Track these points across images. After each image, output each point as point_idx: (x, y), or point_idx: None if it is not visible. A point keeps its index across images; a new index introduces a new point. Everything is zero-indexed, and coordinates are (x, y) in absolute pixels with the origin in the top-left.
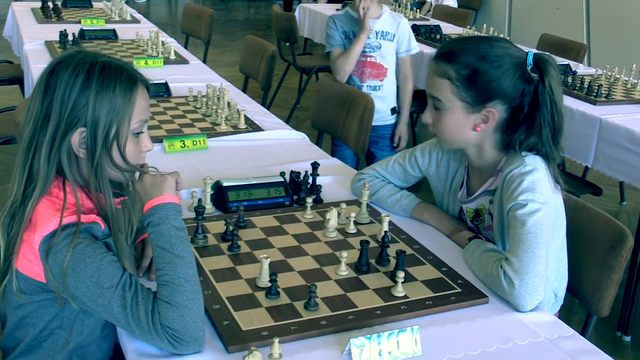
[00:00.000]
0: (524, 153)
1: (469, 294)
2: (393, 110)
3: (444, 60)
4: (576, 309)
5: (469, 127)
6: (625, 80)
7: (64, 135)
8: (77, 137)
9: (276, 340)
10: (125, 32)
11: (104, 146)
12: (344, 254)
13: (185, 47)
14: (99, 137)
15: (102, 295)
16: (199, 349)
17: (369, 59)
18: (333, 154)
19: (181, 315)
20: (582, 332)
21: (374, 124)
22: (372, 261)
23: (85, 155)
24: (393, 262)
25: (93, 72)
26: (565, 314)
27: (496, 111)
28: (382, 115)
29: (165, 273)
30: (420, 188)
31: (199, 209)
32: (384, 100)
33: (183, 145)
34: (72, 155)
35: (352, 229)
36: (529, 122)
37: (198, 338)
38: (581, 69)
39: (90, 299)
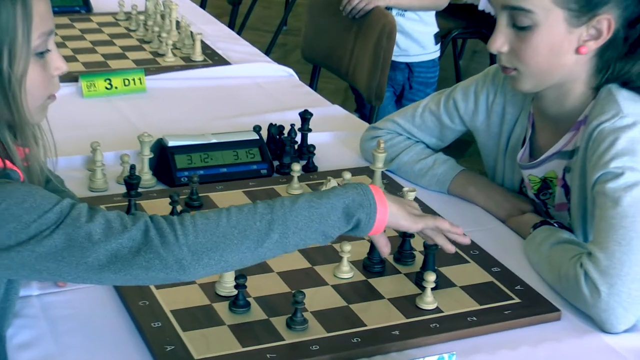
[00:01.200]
0: (621, 95)
1: (533, 306)
2: (437, 38)
3: None
4: None
5: (571, 49)
6: None
7: None
8: None
9: None
10: None
11: None
12: (347, 247)
13: None
14: None
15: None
16: (177, 278)
17: None
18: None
19: (206, 224)
20: None
21: (408, 59)
22: (389, 258)
23: None
24: (420, 259)
25: None
26: None
27: (612, 19)
28: (421, 45)
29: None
30: (465, 152)
31: (131, 181)
32: (421, 22)
33: (109, 86)
34: None
35: None
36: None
37: (194, 261)
38: None
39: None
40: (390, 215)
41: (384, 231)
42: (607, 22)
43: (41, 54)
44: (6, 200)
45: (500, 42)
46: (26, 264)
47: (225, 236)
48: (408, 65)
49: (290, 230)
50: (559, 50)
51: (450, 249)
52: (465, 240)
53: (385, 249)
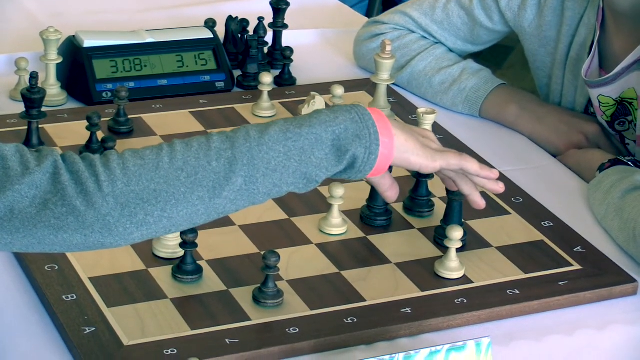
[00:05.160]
0: None
1: (598, 276)
2: None
3: None
4: None
5: None
6: None
7: None
8: None
9: None
10: None
11: None
12: (338, 191)
13: None
14: None
15: None
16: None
17: None
18: None
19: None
20: None
21: None
22: (397, 206)
23: None
24: (441, 208)
25: None
26: None
27: None
28: None
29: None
30: (503, 62)
31: (32, 95)
32: None
33: None
34: None
35: None
36: None
37: (123, 218)
38: None
39: None
40: (396, 150)
41: (390, 170)
42: None
43: None
44: None
45: None
46: None
47: (169, 182)
48: None
49: (260, 172)
50: None
51: (480, 203)
52: (498, 188)
53: (390, 193)
